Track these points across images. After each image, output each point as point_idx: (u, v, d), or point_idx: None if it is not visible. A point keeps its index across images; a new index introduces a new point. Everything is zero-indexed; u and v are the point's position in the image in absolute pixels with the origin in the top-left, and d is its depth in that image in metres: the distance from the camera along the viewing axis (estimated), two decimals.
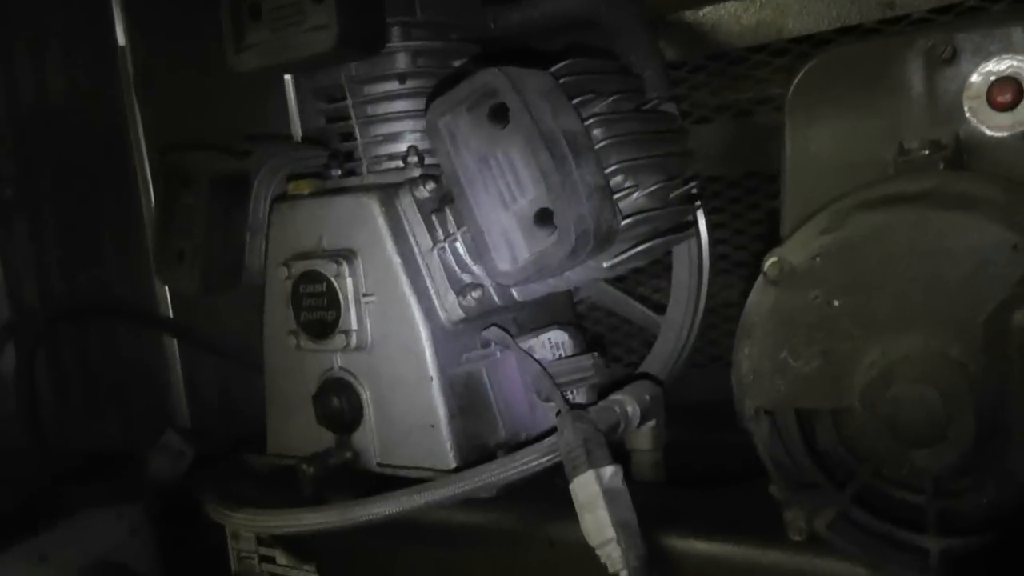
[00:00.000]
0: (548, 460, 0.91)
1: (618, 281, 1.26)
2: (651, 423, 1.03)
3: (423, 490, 0.91)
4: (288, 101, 1.52)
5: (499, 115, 0.88)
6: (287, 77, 1.52)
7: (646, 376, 1.10)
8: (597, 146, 0.91)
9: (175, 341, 1.66)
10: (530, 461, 0.91)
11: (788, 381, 0.77)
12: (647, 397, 1.02)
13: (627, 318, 1.27)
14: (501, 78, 0.86)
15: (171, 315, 1.65)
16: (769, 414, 0.79)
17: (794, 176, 0.81)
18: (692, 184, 1.03)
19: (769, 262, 0.75)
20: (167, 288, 1.63)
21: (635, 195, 0.94)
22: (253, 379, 1.53)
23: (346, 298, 1.04)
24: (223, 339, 1.59)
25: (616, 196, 0.91)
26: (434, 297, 1.03)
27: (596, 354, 1.05)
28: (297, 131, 1.53)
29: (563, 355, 1.09)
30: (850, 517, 0.77)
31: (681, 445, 1.07)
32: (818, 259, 0.74)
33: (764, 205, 1.22)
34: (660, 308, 1.20)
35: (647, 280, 1.30)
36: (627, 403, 1.00)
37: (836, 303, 0.74)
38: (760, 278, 0.76)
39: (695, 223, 1.11)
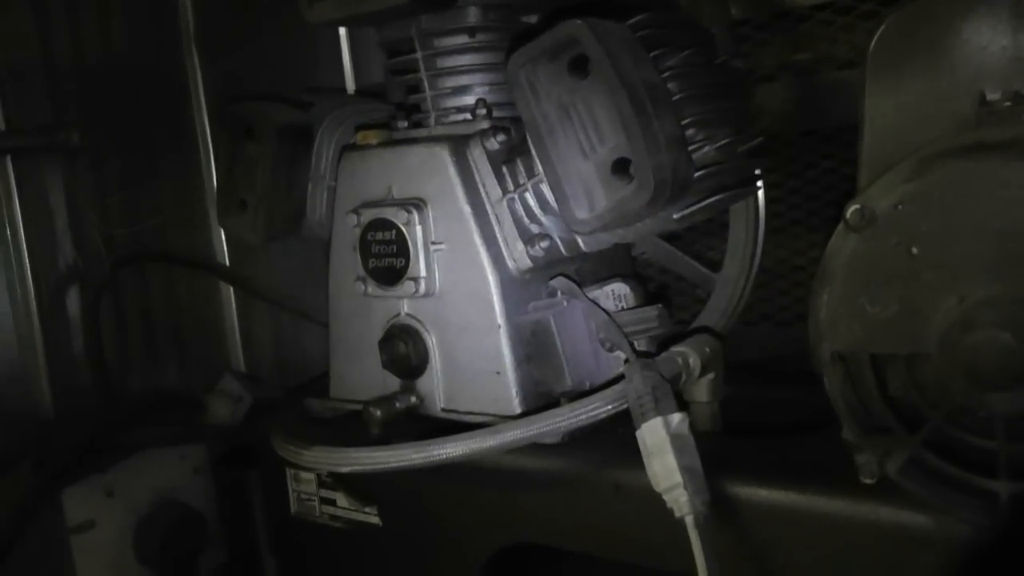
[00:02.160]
0: (615, 407, 0.93)
1: (672, 238, 1.27)
2: (710, 375, 1.05)
3: (499, 431, 0.93)
4: (342, 55, 1.54)
5: (580, 65, 0.89)
6: (341, 31, 1.54)
7: (705, 330, 1.12)
8: (673, 99, 0.92)
9: (231, 288, 1.69)
10: (599, 407, 0.93)
11: (865, 326, 0.78)
12: (707, 350, 1.04)
13: (680, 274, 1.28)
14: (583, 29, 0.88)
15: (228, 263, 1.68)
16: (843, 359, 0.81)
17: (873, 127, 0.81)
18: (759, 139, 1.04)
19: (851, 209, 0.77)
20: (224, 236, 1.66)
21: (706, 148, 0.95)
22: (305, 327, 1.57)
23: (415, 246, 1.07)
24: (277, 287, 1.62)
25: (689, 148, 0.93)
26: (503, 246, 1.05)
27: (661, 305, 1.06)
28: (351, 84, 1.55)
29: (625, 306, 1.11)
30: (921, 461, 0.79)
31: (730, 399, 1.08)
32: (900, 207, 0.75)
33: (820, 165, 1.24)
34: (712, 265, 1.22)
35: (700, 238, 1.31)
36: (689, 355, 1.02)
37: (915, 250, 0.75)
38: (841, 225, 0.78)
39: (760, 178, 1.12)
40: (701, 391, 1.05)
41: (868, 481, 0.81)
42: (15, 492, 1.26)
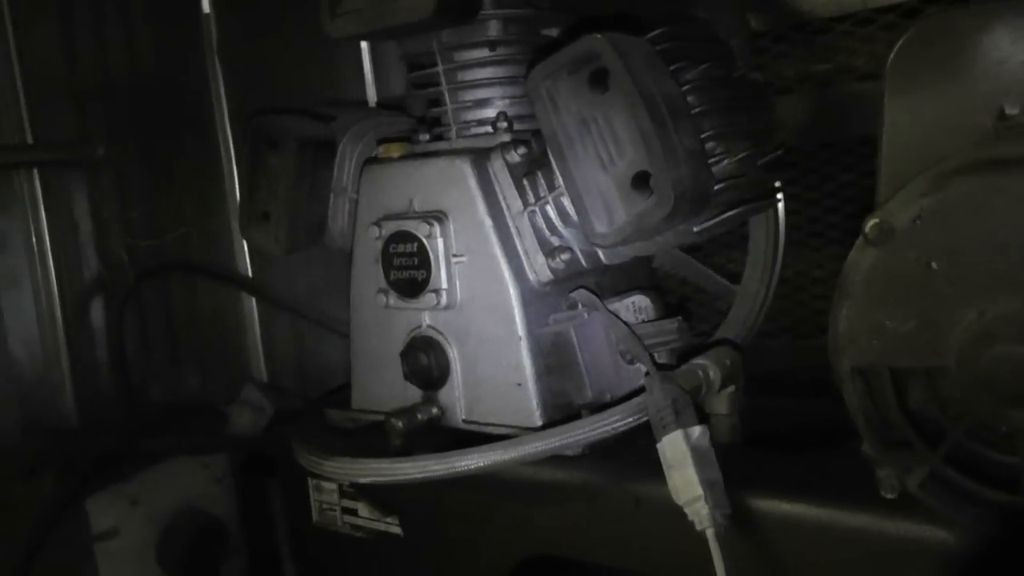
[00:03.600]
0: (636, 419, 0.94)
1: (692, 250, 1.28)
2: (730, 388, 1.05)
3: (520, 443, 0.94)
4: (364, 68, 1.55)
5: (600, 79, 0.90)
6: (363, 44, 1.55)
7: (726, 342, 1.12)
8: (692, 112, 0.93)
9: (253, 299, 1.70)
10: (619, 419, 0.94)
11: (884, 340, 0.78)
12: (728, 362, 1.04)
13: (701, 286, 1.28)
14: (603, 43, 0.88)
15: (250, 274, 1.70)
16: (863, 373, 0.81)
17: (891, 141, 0.81)
18: (778, 152, 1.05)
19: (870, 223, 0.77)
20: (246, 248, 1.67)
21: (725, 161, 0.95)
22: (326, 337, 1.58)
23: (437, 258, 1.07)
24: (298, 298, 1.63)
25: (709, 162, 0.93)
26: (524, 258, 1.05)
27: (680, 318, 1.07)
28: (372, 97, 1.56)
29: (645, 319, 1.11)
30: (942, 476, 0.79)
31: (750, 412, 1.08)
32: (918, 221, 0.75)
33: (839, 177, 1.24)
34: (733, 278, 1.22)
35: (719, 250, 1.31)
36: (709, 367, 1.02)
37: (934, 264, 0.75)
38: (860, 239, 0.78)
39: (780, 191, 1.12)
40: (721, 403, 1.05)
41: (889, 496, 0.81)
42: (40, 499, 1.27)
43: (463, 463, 0.96)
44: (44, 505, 1.27)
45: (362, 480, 1.04)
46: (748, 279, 1.19)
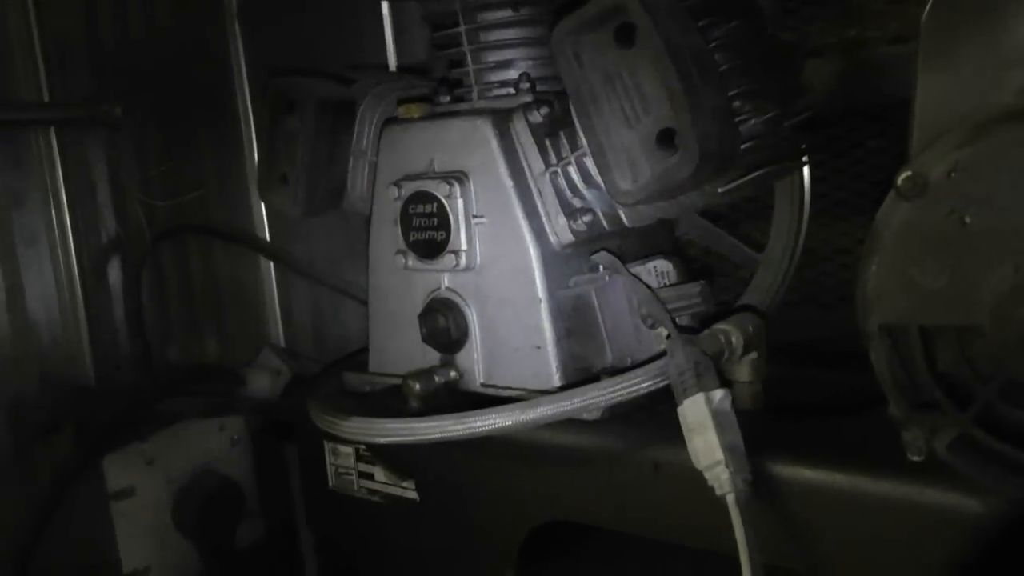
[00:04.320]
0: (656, 382, 0.92)
1: (715, 219, 1.26)
2: (752, 355, 1.03)
3: (539, 404, 0.93)
4: (385, 32, 1.54)
5: (626, 34, 0.88)
6: (384, 8, 1.54)
7: (748, 308, 1.10)
8: (719, 70, 0.91)
9: (271, 263, 1.69)
10: (640, 382, 0.92)
11: (914, 297, 0.76)
12: (750, 328, 1.02)
13: (724, 255, 1.27)
14: None
15: (268, 238, 1.69)
16: (891, 332, 0.79)
17: (925, 96, 0.79)
18: (805, 115, 1.03)
19: (903, 176, 0.75)
20: (264, 211, 1.67)
21: (752, 121, 0.93)
22: (344, 302, 1.57)
23: (456, 219, 1.06)
24: (316, 263, 1.63)
25: (735, 121, 0.92)
26: (545, 220, 1.04)
27: (704, 282, 1.05)
28: (393, 61, 1.54)
29: (667, 283, 1.10)
30: (971, 439, 0.77)
31: (772, 380, 1.07)
32: (953, 174, 0.73)
33: (867, 144, 1.22)
34: (758, 248, 1.21)
35: (743, 219, 1.30)
36: (732, 333, 1.00)
37: (968, 219, 0.73)
38: (891, 193, 0.76)
39: (806, 154, 1.10)
40: (743, 370, 1.04)
41: (915, 458, 0.79)
42: (57, 457, 1.28)
43: (482, 424, 0.94)
44: (61, 463, 1.28)
45: (379, 441, 1.03)
46: (772, 246, 1.18)
